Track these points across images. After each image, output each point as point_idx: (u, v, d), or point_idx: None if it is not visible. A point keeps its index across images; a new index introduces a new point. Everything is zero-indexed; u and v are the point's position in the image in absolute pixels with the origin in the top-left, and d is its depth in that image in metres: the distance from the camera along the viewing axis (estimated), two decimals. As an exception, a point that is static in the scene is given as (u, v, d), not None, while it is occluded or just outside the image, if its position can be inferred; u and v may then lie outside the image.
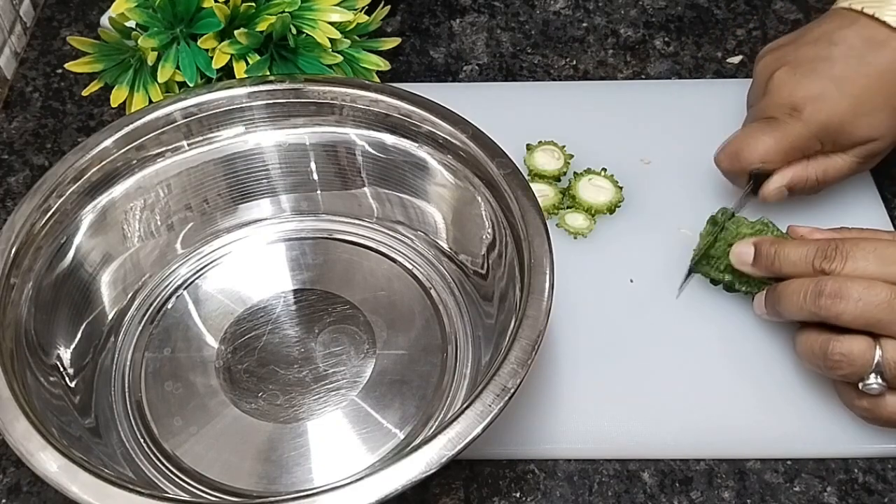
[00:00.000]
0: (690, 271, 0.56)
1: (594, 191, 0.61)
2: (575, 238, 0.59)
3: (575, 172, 0.62)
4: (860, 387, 0.47)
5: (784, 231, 0.53)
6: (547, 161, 0.62)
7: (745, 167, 0.56)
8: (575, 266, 0.58)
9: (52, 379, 0.49)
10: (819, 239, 0.50)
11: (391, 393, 0.52)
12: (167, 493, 0.48)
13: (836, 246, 0.48)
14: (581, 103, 0.67)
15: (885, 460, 0.51)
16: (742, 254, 0.52)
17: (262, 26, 0.57)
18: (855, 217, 0.59)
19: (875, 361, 0.46)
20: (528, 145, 0.63)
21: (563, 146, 0.63)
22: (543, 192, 0.61)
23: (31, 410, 0.43)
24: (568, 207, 0.61)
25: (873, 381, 0.46)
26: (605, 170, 0.62)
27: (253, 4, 0.57)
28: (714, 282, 0.55)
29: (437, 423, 0.51)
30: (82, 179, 0.53)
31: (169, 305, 0.56)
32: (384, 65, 0.63)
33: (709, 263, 0.55)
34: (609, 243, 0.60)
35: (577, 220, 0.60)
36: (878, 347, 0.46)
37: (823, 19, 0.58)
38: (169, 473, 0.49)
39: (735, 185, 0.59)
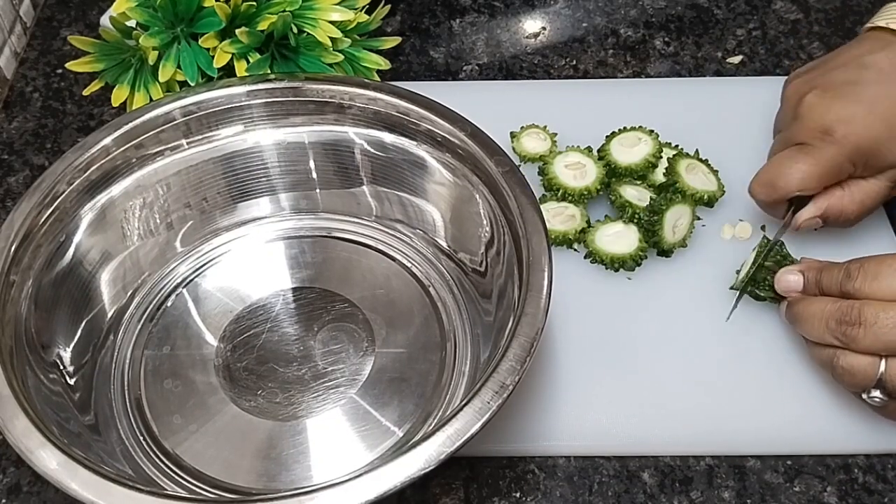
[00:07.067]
0: (740, 295, 0.55)
1: (570, 173, 0.60)
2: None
3: (568, 146, 0.62)
4: (863, 397, 0.48)
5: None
6: (535, 144, 0.63)
7: (782, 196, 0.55)
8: (574, 264, 0.58)
9: (51, 376, 0.49)
10: (849, 261, 0.49)
11: (390, 390, 0.52)
12: (167, 490, 0.48)
13: (861, 265, 0.48)
14: (581, 103, 0.67)
15: (885, 460, 0.51)
16: (791, 282, 0.52)
17: (262, 25, 0.57)
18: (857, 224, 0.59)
19: (878, 377, 0.47)
20: (511, 133, 0.63)
21: (545, 126, 0.63)
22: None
23: (31, 408, 0.43)
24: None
25: (876, 394, 0.47)
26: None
27: (254, 3, 0.58)
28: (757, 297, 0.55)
29: (435, 420, 0.51)
30: (82, 178, 0.53)
31: (168, 303, 0.56)
32: (385, 63, 0.63)
33: (756, 286, 0.55)
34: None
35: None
36: (882, 363, 0.47)
37: (854, 43, 0.57)
38: (168, 471, 0.49)
39: (771, 215, 0.58)
